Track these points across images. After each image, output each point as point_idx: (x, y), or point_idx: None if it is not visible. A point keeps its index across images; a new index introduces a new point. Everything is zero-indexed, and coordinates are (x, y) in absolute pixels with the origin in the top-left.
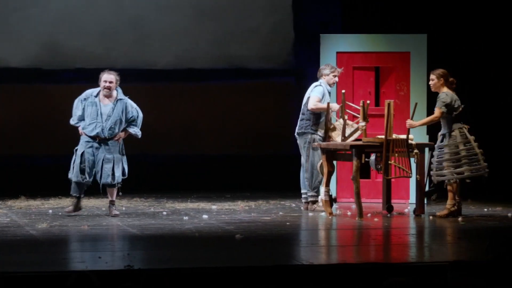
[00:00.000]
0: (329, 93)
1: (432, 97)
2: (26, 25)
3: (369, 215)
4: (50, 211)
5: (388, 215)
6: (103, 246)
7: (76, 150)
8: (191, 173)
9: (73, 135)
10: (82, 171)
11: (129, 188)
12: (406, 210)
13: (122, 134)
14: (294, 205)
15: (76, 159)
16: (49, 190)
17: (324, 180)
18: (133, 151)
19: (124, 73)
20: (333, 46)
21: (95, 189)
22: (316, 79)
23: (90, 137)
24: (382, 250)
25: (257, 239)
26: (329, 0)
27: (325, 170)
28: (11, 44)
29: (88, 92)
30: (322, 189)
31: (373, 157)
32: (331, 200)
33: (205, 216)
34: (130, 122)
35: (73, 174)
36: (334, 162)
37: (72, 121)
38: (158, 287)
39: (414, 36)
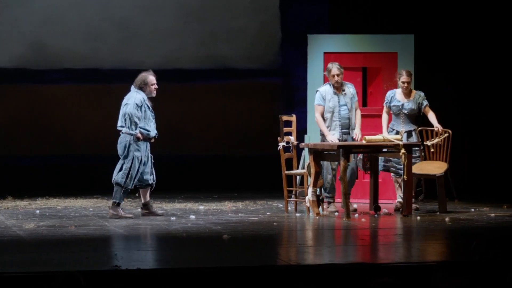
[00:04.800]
0: (343, 91)
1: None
2: (13, 25)
3: (356, 215)
4: (37, 211)
5: (376, 215)
6: (90, 247)
7: (137, 157)
8: (178, 174)
9: (62, 135)
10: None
11: None
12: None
13: None
14: (281, 205)
15: (140, 167)
16: (36, 191)
17: (312, 180)
18: None
19: (110, 73)
20: (321, 47)
21: (82, 189)
22: (304, 80)
23: (148, 140)
24: (369, 250)
25: (245, 240)
26: (316, 1)
27: (313, 170)
28: None
29: (140, 97)
30: (310, 189)
31: (360, 157)
32: (318, 200)
33: (192, 217)
34: None
35: (133, 182)
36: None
37: (135, 130)
38: (144, 287)
39: (401, 37)
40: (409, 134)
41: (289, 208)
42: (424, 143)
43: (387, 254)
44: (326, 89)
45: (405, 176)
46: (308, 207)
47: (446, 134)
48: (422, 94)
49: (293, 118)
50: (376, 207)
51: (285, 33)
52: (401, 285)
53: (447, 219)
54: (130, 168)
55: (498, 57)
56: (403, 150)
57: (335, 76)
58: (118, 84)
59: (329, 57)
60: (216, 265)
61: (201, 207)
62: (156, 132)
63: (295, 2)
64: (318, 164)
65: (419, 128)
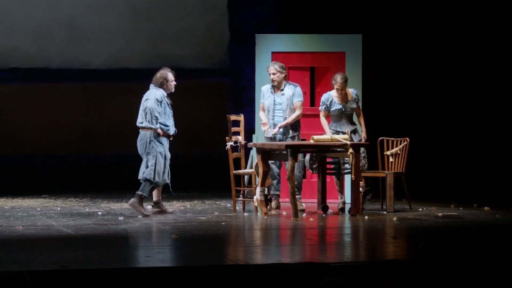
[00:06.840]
0: (282, 91)
1: (366, 97)
2: None
3: (304, 214)
4: None
5: (323, 214)
6: (38, 247)
7: (160, 153)
8: (126, 173)
9: (9, 135)
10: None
11: (64, 188)
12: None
13: None
14: (229, 205)
15: (165, 162)
16: None
17: (260, 180)
18: (69, 151)
19: (58, 72)
20: (269, 46)
21: (29, 189)
22: (252, 79)
23: (167, 136)
24: (317, 250)
25: (193, 239)
26: (264, 1)
27: (260, 170)
28: None
29: (160, 93)
30: (258, 189)
31: (308, 157)
32: (266, 200)
33: (140, 216)
34: None
35: (161, 178)
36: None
37: (156, 125)
38: (92, 287)
39: (349, 36)
40: (353, 133)
41: (237, 207)
42: (384, 153)
43: (336, 253)
44: (267, 87)
45: (353, 176)
46: (256, 207)
47: (405, 143)
48: (357, 92)
49: (241, 117)
50: (324, 207)
51: (233, 33)
52: (350, 284)
53: (395, 218)
54: (155, 164)
55: (446, 56)
56: (351, 150)
57: (271, 75)
58: (65, 83)
59: (277, 56)
60: (164, 265)
61: (149, 206)
62: (175, 129)
63: (243, 2)
64: (266, 164)
65: (380, 138)
